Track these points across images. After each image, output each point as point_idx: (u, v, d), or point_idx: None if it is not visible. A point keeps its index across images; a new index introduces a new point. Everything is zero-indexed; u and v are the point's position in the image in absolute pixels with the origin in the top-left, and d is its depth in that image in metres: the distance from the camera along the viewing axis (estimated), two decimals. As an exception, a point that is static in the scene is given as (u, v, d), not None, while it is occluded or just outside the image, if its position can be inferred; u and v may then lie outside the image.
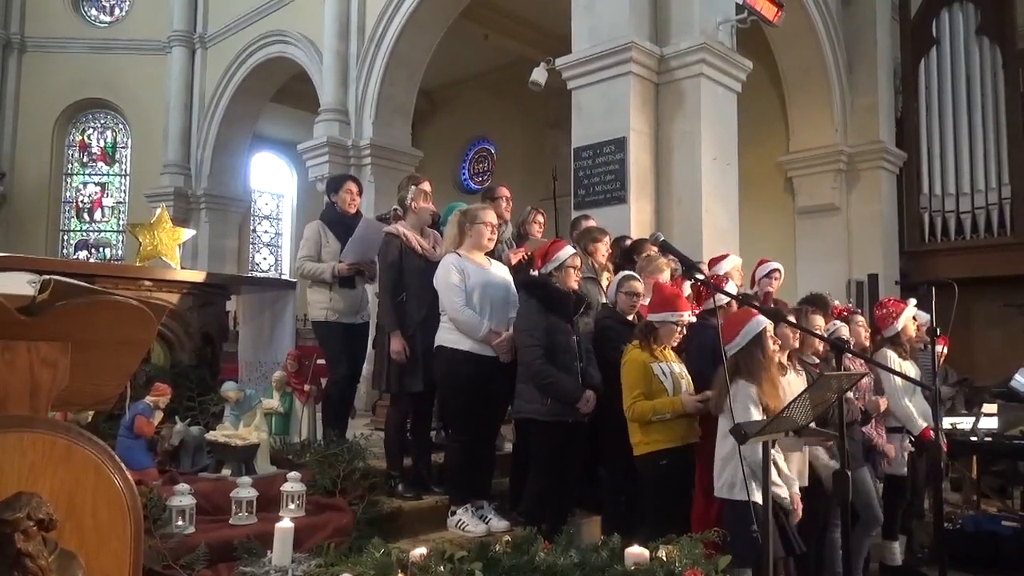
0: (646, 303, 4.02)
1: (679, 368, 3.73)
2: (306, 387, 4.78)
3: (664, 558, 2.51)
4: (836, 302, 5.24)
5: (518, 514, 3.83)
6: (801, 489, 3.48)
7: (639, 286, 4.09)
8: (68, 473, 1.50)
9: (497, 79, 13.02)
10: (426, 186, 4.62)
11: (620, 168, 6.26)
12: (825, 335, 3.99)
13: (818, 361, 4.16)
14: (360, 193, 5.06)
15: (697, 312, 4.01)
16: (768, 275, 5.17)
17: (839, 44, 9.30)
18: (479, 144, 15.35)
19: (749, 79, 6.81)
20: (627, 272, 4.25)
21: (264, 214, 16.24)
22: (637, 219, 6.19)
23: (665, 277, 4.27)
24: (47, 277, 1.57)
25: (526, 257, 4.71)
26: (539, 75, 7.80)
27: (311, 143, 9.58)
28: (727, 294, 3.71)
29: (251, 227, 15.56)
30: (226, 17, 12.06)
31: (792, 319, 3.84)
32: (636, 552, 2.60)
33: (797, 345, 3.99)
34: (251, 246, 15.62)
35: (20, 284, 1.56)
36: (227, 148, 12.41)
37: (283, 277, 15.21)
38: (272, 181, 16.37)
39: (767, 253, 5.75)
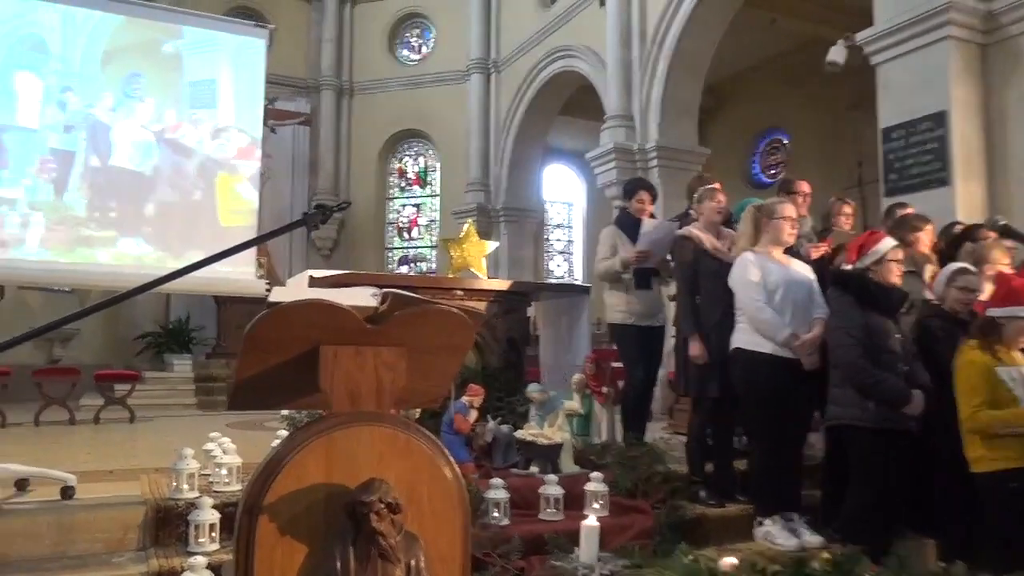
0: (982, 299, 3.50)
1: None
2: (604, 389, 4.87)
3: (1024, 595, 2.13)
4: None
5: (834, 530, 3.54)
6: None
7: (976, 281, 3.57)
8: (408, 464, 1.68)
9: (787, 65, 12.26)
10: (716, 185, 4.50)
11: (940, 146, 5.55)
12: None
13: None
14: (653, 201, 5.07)
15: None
16: None
17: None
18: (770, 135, 14.57)
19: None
20: (960, 264, 3.74)
21: (556, 223, 16.96)
22: (965, 202, 5.43)
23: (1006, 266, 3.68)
24: (385, 290, 1.79)
25: (829, 252, 4.37)
26: (837, 54, 7.21)
27: (598, 151, 9.80)
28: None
29: (544, 236, 16.33)
30: (515, 40, 12.84)
31: None
32: (986, 584, 2.25)
33: None
34: (545, 254, 16.39)
35: (365, 297, 1.79)
36: (521, 163, 13.18)
37: (577, 283, 15.75)
38: (563, 191, 17.04)
39: None
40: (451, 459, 1.76)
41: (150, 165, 8.98)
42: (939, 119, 5.57)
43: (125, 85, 8.94)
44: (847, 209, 4.86)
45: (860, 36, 6.15)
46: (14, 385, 7.21)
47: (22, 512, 3.28)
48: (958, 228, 4.63)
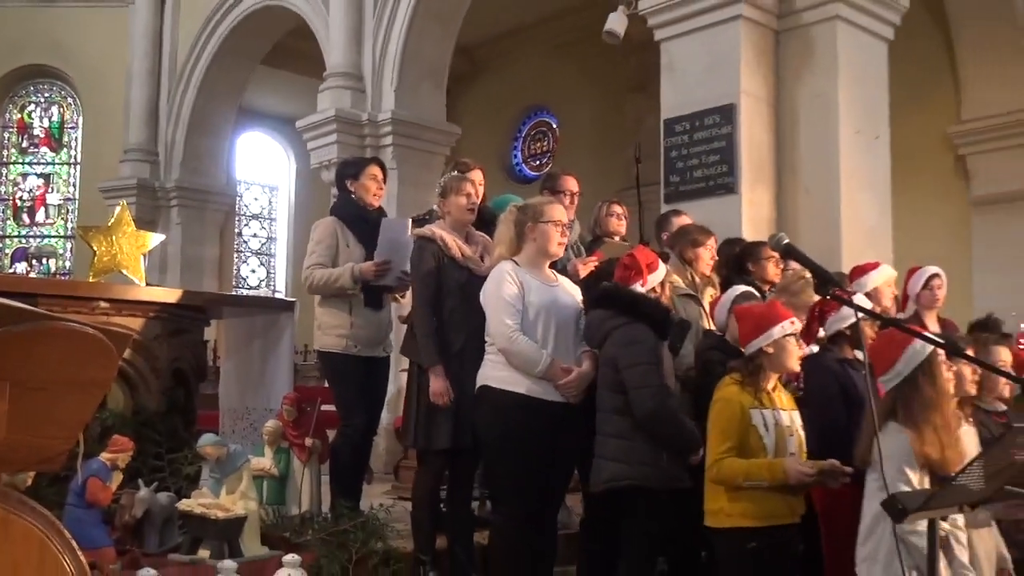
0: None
1: (791, 420, 3.61)
2: (308, 441, 4.85)
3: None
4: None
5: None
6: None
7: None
8: (5, 552, 1.56)
9: (559, 31, 13.08)
10: (475, 174, 4.70)
11: (728, 146, 6.21)
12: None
13: (1004, 409, 4.07)
14: (385, 180, 5.17)
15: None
16: (927, 286, 5.12)
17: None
18: (536, 116, 15.41)
19: (905, 23, 6.70)
20: (745, 289, 4.20)
21: (253, 212, 16.59)
22: (751, 214, 6.12)
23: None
24: (-24, 296, 1.64)
25: (597, 268, 4.69)
26: (616, 23, 7.78)
27: (314, 118, 9.75)
28: (866, 311, 3.39)
29: (236, 230, 15.91)
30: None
31: (969, 351, 3.74)
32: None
33: (975, 389, 3.89)
34: (236, 255, 15.97)
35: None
36: (206, 126, 12.79)
37: (278, 295, 15.48)
38: (264, 169, 16.72)
39: (932, 259, 5.62)
40: (73, 543, 1.66)
41: None
42: (727, 113, 6.23)
43: None
44: (617, 209, 5.28)
45: (644, 4, 6.70)
46: None
47: None
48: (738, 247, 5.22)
